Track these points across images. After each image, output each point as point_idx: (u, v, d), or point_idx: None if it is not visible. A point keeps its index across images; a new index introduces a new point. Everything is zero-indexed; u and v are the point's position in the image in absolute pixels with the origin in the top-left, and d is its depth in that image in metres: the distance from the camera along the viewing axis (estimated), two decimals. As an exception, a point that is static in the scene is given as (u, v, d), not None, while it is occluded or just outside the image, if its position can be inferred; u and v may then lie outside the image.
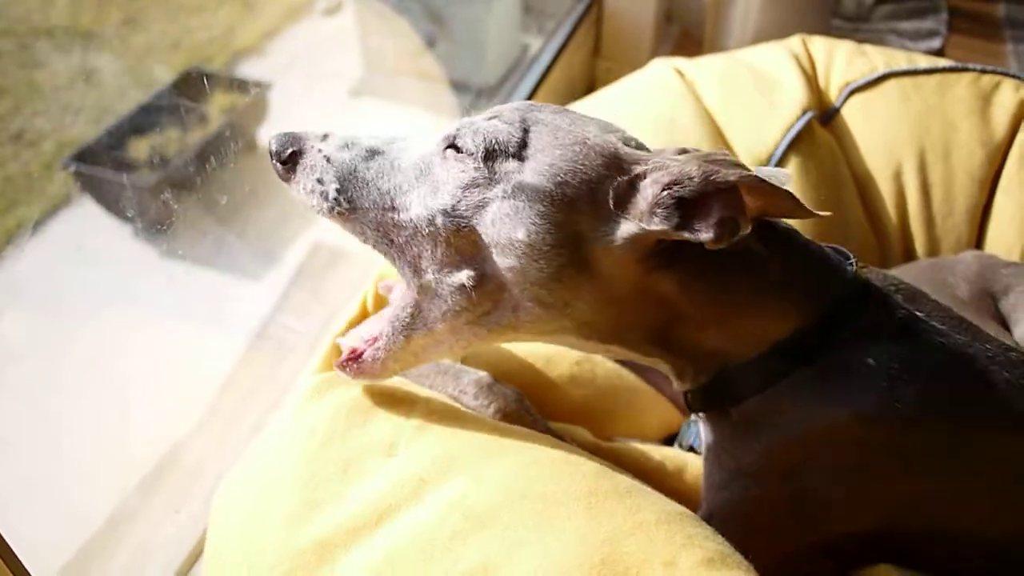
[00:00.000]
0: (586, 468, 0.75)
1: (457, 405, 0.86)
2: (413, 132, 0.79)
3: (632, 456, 0.95)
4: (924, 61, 1.39)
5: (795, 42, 1.44)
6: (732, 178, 0.67)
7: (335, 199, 0.75)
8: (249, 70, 2.33)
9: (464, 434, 0.78)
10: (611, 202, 0.71)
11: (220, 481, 0.84)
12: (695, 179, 0.67)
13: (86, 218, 1.92)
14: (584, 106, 1.33)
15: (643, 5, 2.15)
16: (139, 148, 1.91)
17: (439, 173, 0.74)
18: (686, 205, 0.69)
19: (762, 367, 0.77)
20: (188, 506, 1.14)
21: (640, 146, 0.78)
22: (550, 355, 1.01)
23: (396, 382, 0.86)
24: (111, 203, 1.88)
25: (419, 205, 0.74)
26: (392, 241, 0.75)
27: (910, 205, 1.31)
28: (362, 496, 0.72)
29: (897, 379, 0.74)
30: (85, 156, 1.92)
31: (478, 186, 0.72)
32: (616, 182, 0.71)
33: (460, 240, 0.73)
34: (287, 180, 0.77)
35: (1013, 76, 1.35)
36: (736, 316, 0.77)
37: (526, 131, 0.73)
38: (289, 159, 0.77)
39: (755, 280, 0.76)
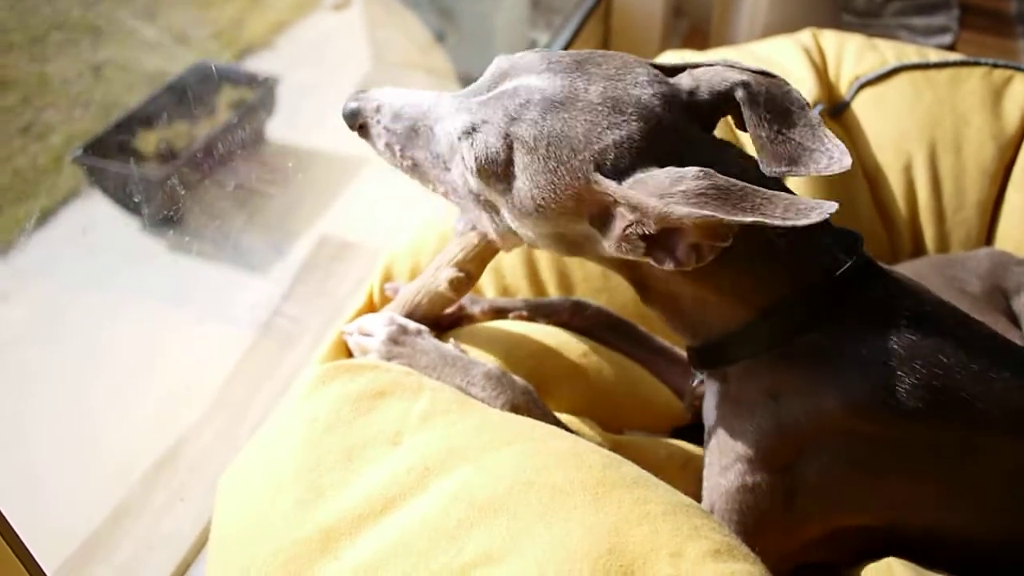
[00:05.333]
0: (593, 459, 0.75)
1: (464, 396, 0.85)
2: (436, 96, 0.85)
3: (639, 448, 0.95)
4: (935, 55, 1.38)
5: (805, 35, 1.43)
6: (691, 216, 0.65)
7: (400, 158, 0.86)
8: (258, 64, 2.33)
9: (470, 424, 0.78)
10: (587, 223, 0.76)
11: (224, 469, 0.84)
12: (652, 219, 0.68)
13: (94, 210, 1.92)
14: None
15: (652, 1, 2.14)
16: (147, 141, 1.92)
17: (460, 160, 0.80)
18: (654, 234, 0.70)
19: (749, 336, 0.79)
20: (193, 495, 1.14)
21: (666, 119, 0.74)
22: (558, 347, 1.01)
23: (402, 372, 0.85)
24: (119, 195, 1.88)
25: (460, 179, 0.82)
26: (462, 201, 0.85)
27: (920, 199, 1.30)
28: (366, 484, 0.72)
29: (894, 372, 0.74)
30: (93, 148, 1.93)
31: (486, 189, 0.80)
32: (590, 211, 0.75)
33: (493, 214, 0.83)
34: (367, 140, 0.88)
35: (1025, 70, 1.34)
36: (720, 289, 0.78)
37: (510, 148, 0.76)
38: (360, 129, 0.87)
39: (742, 255, 0.75)
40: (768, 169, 0.72)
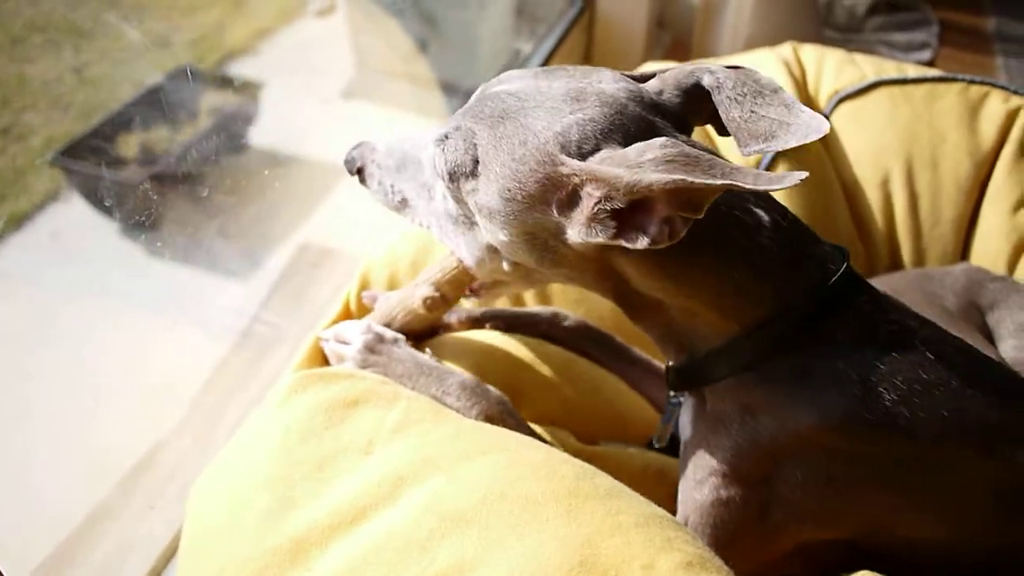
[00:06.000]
0: (566, 470, 0.74)
1: (439, 406, 0.85)
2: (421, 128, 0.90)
3: (614, 459, 0.95)
4: (914, 71, 1.39)
5: (786, 49, 1.44)
6: (660, 183, 0.63)
7: (390, 196, 0.90)
8: (240, 69, 2.32)
9: (443, 434, 0.77)
10: (555, 213, 0.73)
11: (196, 478, 0.83)
12: (621, 191, 0.66)
13: (72, 213, 1.91)
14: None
15: (635, 11, 2.15)
16: (128, 145, 1.90)
17: (436, 178, 0.83)
18: (624, 212, 0.68)
19: (732, 352, 0.77)
20: (164, 503, 1.13)
21: (611, 127, 0.73)
22: (534, 358, 1.01)
23: (377, 381, 0.85)
24: (98, 199, 1.87)
25: (440, 203, 0.85)
26: (443, 228, 0.87)
27: (897, 213, 1.31)
28: (338, 495, 0.72)
29: (873, 389, 0.73)
30: (73, 152, 1.91)
31: (458, 200, 0.81)
32: (556, 196, 0.72)
33: (478, 236, 0.83)
34: (364, 185, 0.93)
35: (1001, 87, 1.35)
36: (703, 300, 0.76)
37: (476, 146, 0.76)
38: (359, 172, 0.91)
39: (725, 264, 0.75)
40: (745, 149, 0.71)
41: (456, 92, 2.26)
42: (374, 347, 0.91)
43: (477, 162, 0.76)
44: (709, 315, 0.77)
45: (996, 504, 0.77)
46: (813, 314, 0.76)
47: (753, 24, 2.17)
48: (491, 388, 0.90)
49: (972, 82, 1.35)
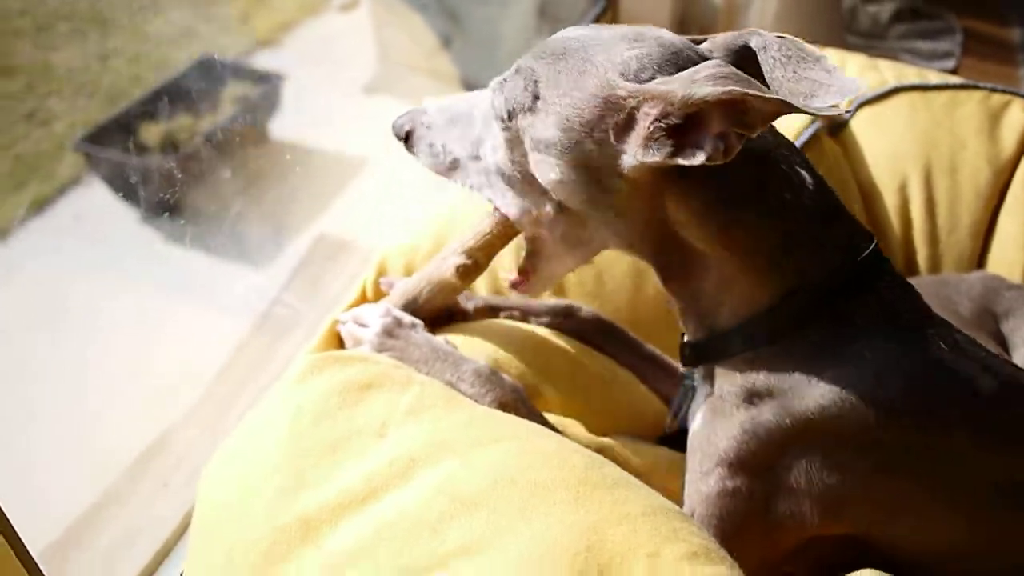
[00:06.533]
0: (576, 459, 0.75)
1: (452, 392, 0.86)
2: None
3: (624, 452, 0.95)
4: (935, 77, 1.39)
5: (807, 52, 1.44)
6: (715, 95, 0.66)
7: (441, 158, 0.90)
8: (264, 61, 2.34)
9: (457, 419, 0.78)
10: (612, 138, 0.75)
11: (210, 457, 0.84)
12: (676, 105, 0.68)
13: (94, 198, 1.93)
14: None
15: (657, 11, 2.15)
16: (150, 133, 1.92)
17: (495, 127, 0.84)
18: (680, 130, 0.70)
19: (752, 326, 0.78)
20: (175, 485, 1.15)
21: (680, 59, 0.76)
22: (547, 349, 1.01)
23: (391, 365, 0.86)
24: (119, 185, 1.89)
25: (492, 153, 0.86)
26: (491, 184, 0.88)
27: (914, 219, 1.31)
28: (350, 475, 0.72)
29: (886, 375, 0.74)
30: (96, 138, 1.93)
31: (513, 141, 0.82)
32: (614, 120, 0.74)
33: (527, 183, 0.84)
34: (411, 153, 0.92)
35: (1023, 96, 1.35)
36: (739, 263, 0.77)
37: (536, 82, 0.79)
38: (406, 136, 0.91)
39: (767, 220, 0.76)
40: None
41: (477, 88, 2.27)
42: (392, 331, 0.92)
43: (536, 98, 0.79)
44: (743, 279, 0.78)
45: (1003, 500, 0.77)
46: (836, 291, 0.76)
47: (776, 28, 2.16)
48: (505, 376, 0.91)
49: (994, 90, 1.35)
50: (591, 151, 0.76)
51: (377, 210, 1.95)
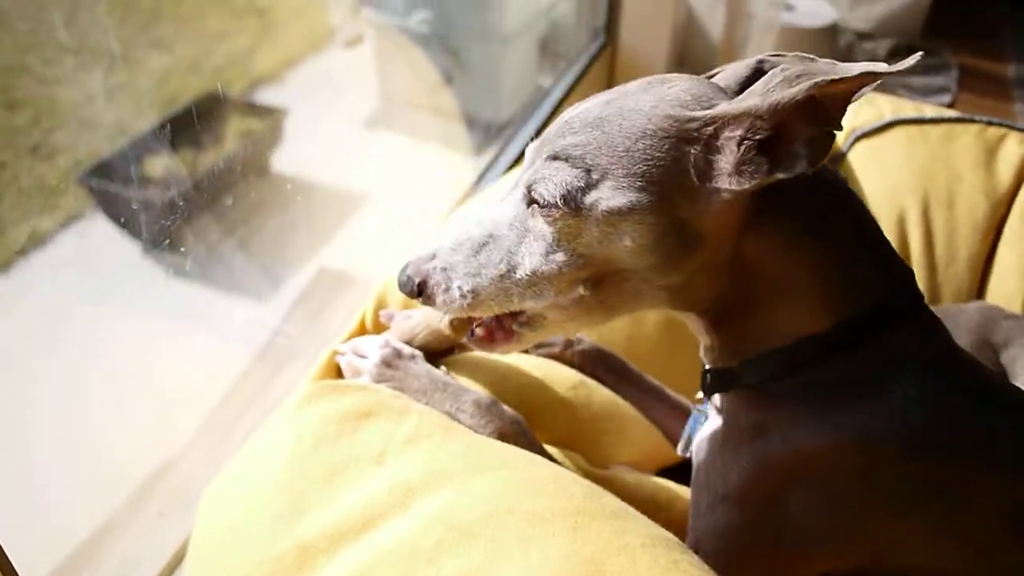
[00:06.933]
0: (575, 488, 0.75)
1: (450, 421, 0.86)
2: (486, 201, 0.82)
3: (624, 484, 0.95)
4: (931, 110, 1.41)
5: (804, 87, 1.45)
6: (802, 93, 0.62)
7: (461, 298, 0.79)
8: (267, 96, 2.36)
9: (455, 448, 0.78)
10: (695, 179, 0.70)
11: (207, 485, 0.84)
12: (764, 116, 0.65)
13: (96, 232, 1.94)
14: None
15: (656, 48, 2.18)
16: (153, 166, 1.93)
17: (534, 226, 0.76)
18: (769, 144, 0.66)
19: (787, 356, 0.75)
20: (173, 513, 1.14)
21: (712, 94, 0.72)
22: (549, 380, 1.01)
23: (390, 395, 0.86)
24: (122, 218, 1.90)
25: (531, 259, 0.76)
26: (512, 298, 0.78)
27: (913, 251, 1.31)
28: (347, 503, 0.72)
29: (909, 409, 0.72)
30: (99, 172, 1.95)
31: (572, 226, 0.73)
32: (692, 157, 0.69)
33: (575, 269, 0.75)
34: (429, 305, 0.81)
35: (1019, 129, 1.36)
36: (798, 293, 0.74)
37: (582, 157, 0.72)
38: (420, 289, 0.80)
39: (827, 257, 0.74)
40: None
41: (479, 124, 2.29)
42: (391, 362, 0.92)
43: (591, 170, 0.71)
44: (802, 308, 0.75)
45: (1014, 531, 0.76)
46: (879, 322, 0.74)
47: (773, 64, 2.19)
48: (505, 407, 0.90)
49: (990, 123, 1.36)
50: (675, 200, 0.70)
51: (378, 244, 1.95)
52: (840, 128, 0.65)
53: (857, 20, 3.18)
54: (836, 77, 0.61)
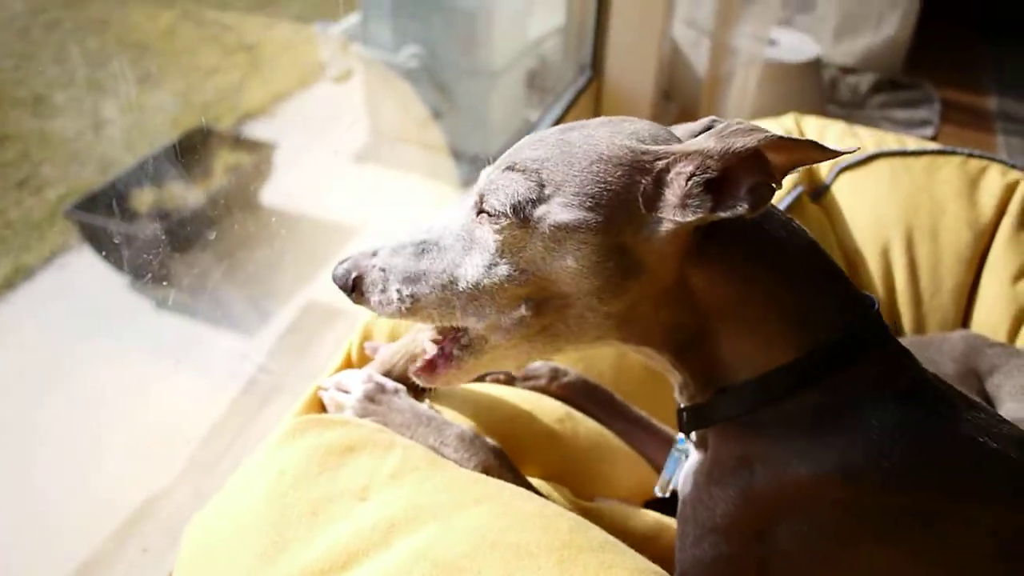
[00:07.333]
0: (560, 522, 0.74)
1: (434, 455, 0.85)
2: (438, 212, 0.83)
3: (610, 517, 0.94)
4: (913, 143, 1.42)
5: (788, 120, 1.47)
6: (752, 143, 0.67)
7: (399, 300, 0.80)
8: (256, 130, 2.37)
9: (439, 483, 0.77)
10: (642, 207, 0.72)
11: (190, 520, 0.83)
12: (715, 158, 0.69)
13: (83, 265, 1.93)
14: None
15: (642, 83, 2.20)
16: (141, 200, 1.93)
17: (480, 236, 0.78)
18: (715, 185, 0.70)
19: (759, 387, 0.76)
20: (157, 547, 1.13)
21: (667, 137, 0.77)
22: (534, 412, 1.01)
23: (374, 429, 0.85)
24: (109, 252, 1.89)
25: (473, 270, 0.78)
26: (454, 310, 0.79)
27: (897, 282, 1.32)
28: (330, 539, 0.71)
29: (888, 440, 0.72)
30: (87, 205, 1.95)
31: (517, 237, 0.75)
32: (641, 186, 0.72)
33: (516, 285, 0.77)
34: (360, 303, 0.82)
35: (999, 161, 1.38)
36: (754, 324, 0.76)
37: (538, 171, 0.75)
38: (354, 285, 0.81)
39: (780, 288, 0.75)
40: None
41: (466, 158, 2.31)
42: (374, 396, 0.92)
43: (544, 185, 0.74)
44: (758, 341, 0.76)
45: (1002, 559, 0.75)
46: (843, 354, 0.75)
47: (758, 98, 2.22)
48: (489, 440, 0.90)
49: (971, 155, 1.38)
50: (621, 224, 0.73)
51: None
52: (780, 186, 0.69)
53: (840, 55, 3.23)
54: (787, 138, 0.66)
